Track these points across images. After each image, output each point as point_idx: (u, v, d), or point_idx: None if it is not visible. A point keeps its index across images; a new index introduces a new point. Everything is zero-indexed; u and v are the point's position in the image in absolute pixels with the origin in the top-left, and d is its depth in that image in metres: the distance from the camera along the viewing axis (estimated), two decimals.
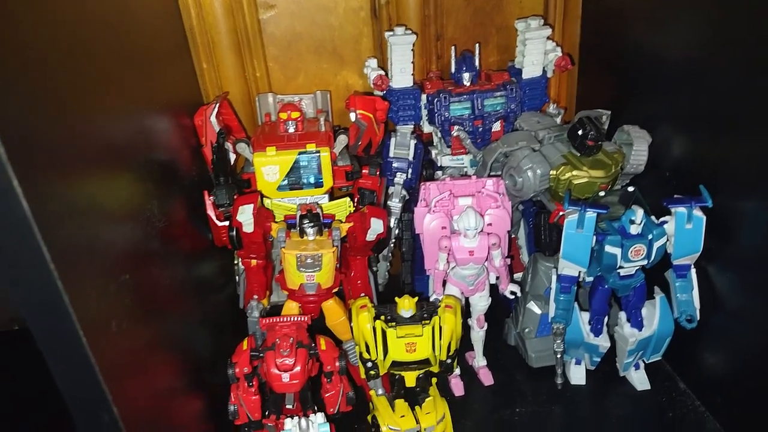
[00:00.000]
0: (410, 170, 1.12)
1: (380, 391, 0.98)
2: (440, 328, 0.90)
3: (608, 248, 0.90)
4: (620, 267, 0.92)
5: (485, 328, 1.05)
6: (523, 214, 1.15)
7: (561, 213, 1.01)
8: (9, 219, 0.45)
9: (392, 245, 1.19)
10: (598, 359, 1.03)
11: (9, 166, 0.43)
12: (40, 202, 0.47)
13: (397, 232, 1.16)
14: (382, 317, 0.91)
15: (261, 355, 0.88)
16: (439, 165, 1.14)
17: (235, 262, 1.10)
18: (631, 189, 0.94)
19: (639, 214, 0.89)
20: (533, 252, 1.11)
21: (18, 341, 1.34)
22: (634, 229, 0.90)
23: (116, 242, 0.63)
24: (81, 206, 0.56)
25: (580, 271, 0.94)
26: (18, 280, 0.48)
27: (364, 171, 1.06)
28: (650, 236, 0.90)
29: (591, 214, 0.88)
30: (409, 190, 1.14)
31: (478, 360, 1.08)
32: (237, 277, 1.11)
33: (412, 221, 1.18)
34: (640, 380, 1.03)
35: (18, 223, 0.45)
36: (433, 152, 1.16)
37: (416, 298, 0.91)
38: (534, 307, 1.07)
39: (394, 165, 1.11)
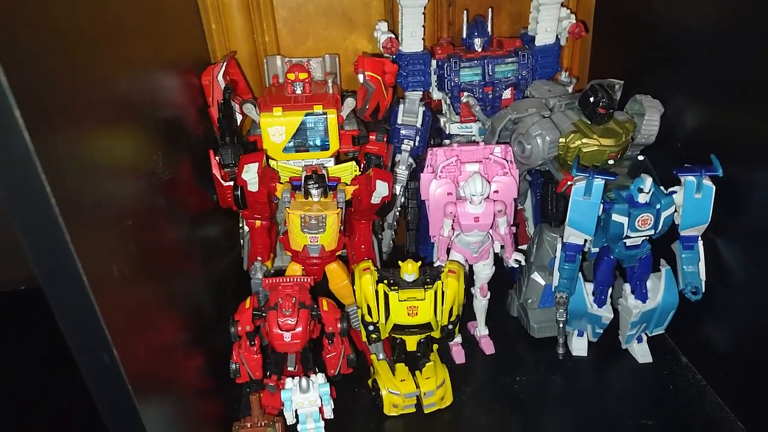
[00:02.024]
0: (418, 138, 1.11)
1: (381, 356, 0.99)
2: (442, 293, 0.90)
3: (615, 217, 0.89)
4: (627, 237, 0.91)
5: (488, 297, 1.05)
6: (530, 185, 1.14)
7: (569, 183, 1.00)
8: (17, 163, 0.45)
9: (398, 214, 1.19)
10: (601, 331, 1.03)
11: (19, 117, 0.43)
12: (48, 152, 0.47)
13: (402, 200, 1.15)
14: (385, 281, 0.91)
15: (263, 314, 0.89)
16: (447, 133, 1.13)
17: (240, 225, 1.10)
18: (641, 158, 0.93)
19: (648, 182, 0.88)
20: (539, 223, 1.10)
21: (25, 301, 1.36)
22: (642, 198, 0.88)
23: (121, 191, 0.63)
24: (87, 156, 0.56)
25: (585, 240, 0.93)
26: (25, 222, 0.48)
27: (371, 136, 1.05)
28: (658, 206, 0.89)
29: (599, 181, 0.87)
30: (416, 159, 1.14)
31: (480, 329, 1.08)
32: (242, 240, 1.11)
33: (418, 190, 1.17)
34: (642, 353, 1.03)
35: (25, 164, 0.45)
36: (442, 120, 1.14)
37: (419, 263, 0.91)
38: (538, 278, 1.07)
39: (402, 132, 1.10)
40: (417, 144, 1.11)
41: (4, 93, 0.43)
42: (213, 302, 0.97)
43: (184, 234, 0.87)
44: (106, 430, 0.60)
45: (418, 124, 1.10)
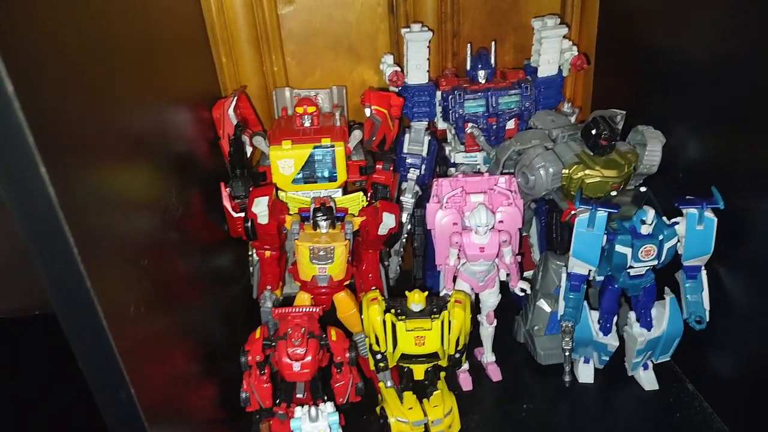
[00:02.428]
0: (424, 166, 1.13)
1: (389, 384, 1.00)
2: (449, 322, 0.91)
3: (619, 248, 0.90)
4: (630, 267, 0.92)
5: (495, 324, 1.06)
6: (535, 213, 1.16)
7: (573, 212, 1.01)
8: (36, 205, 0.47)
9: (404, 240, 1.20)
10: (607, 358, 1.04)
11: (37, 154, 0.45)
12: (66, 189, 0.49)
13: (409, 227, 1.17)
14: (393, 310, 0.92)
15: (273, 344, 0.90)
16: (452, 162, 1.15)
17: (250, 253, 1.12)
18: (643, 189, 0.94)
19: (650, 214, 0.89)
20: (544, 250, 1.12)
21: (39, 326, 1.38)
22: (644, 230, 0.90)
23: (136, 229, 0.65)
24: (103, 193, 0.58)
25: (590, 270, 0.95)
26: (45, 264, 0.50)
27: (377, 166, 1.07)
28: (661, 237, 0.90)
29: (602, 213, 0.89)
30: (422, 186, 1.16)
31: (487, 356, 1.09)
32: (251, 268, 1.13)
33: (424, 217, 1.19)
34: (648, 380, 1.03)
35: (45, 208, 0.47)
36: (447, 149, 1.17)
37: (426, 293, 0.92)
38: (544, 305, 1.08)
39: (408, 161, 1.13)
40: (423, 172, 1.13)
41: (23, 132, 0.44)
42: (224, 331, 0.98)
43: (195, 265, 0.89)
44: None
45: (424, 153, 1.13)
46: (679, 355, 1.03)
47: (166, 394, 0.67)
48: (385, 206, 0.95)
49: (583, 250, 0.91)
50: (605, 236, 0.91)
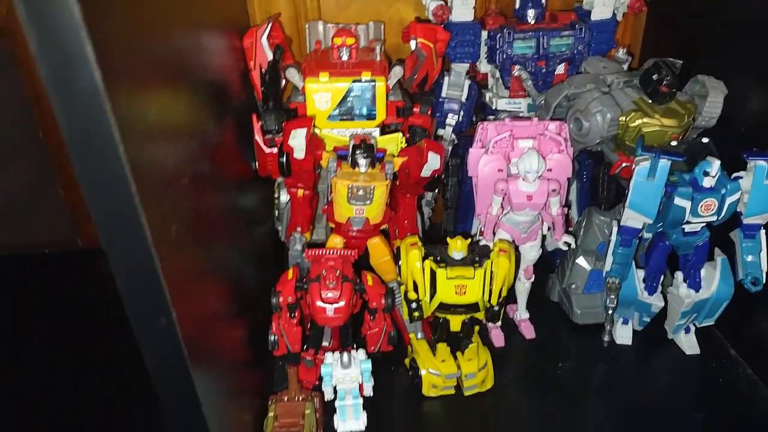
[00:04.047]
0: (462, 113, 1.07)
1: (420, 335, 0.96)
2: (491, 273, 0.87)
3: (678, 200, 0.84)
4: (687, 222, 0.87)
5: (532, 279, 1.01)
6: (577, 167, 1.10)
7: (623, 165, 0.96)
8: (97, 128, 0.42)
9: (436, 191, 1.15)
10: (648, 320, 1.00)
11: (102, 84, 0.41)
12: (122, 112, 0.44)
13: (442, 177, 1.11)
14: (432, 257, 0.87)
15: (305, 286, 0.85)
16: (493, 108, 1.09)
17: (276, 195, 1.07)
18: (705, 140, 0.88)
19: (715, 165, 0.83)
20: (586, 207, 1.06)
21: (46, 265, 1.34)
22: (707, 182, 0.84)
23: (176, 147, 0.60)
24: (148, 111, 0.52)
25: (644, 223, 0.89)
26: (92, 181, 0.45)
27: (415, 109, 1.00)
28: (723, 191, 0.84)
29: (665, 162, 0.83)
30: (458, 135, 1.09)
31: (521, 312, 1.04)
32: (276, 211, 1.07)
33: (458, 167, 1.14)
34: (689, 344, 0.99)
35: (103, 130, 0.42)
36: (488, 95, 1.10)
37: (469, 240, 0.87)
38: (583, 263, 1.03)
39: (446, 106, 1.06)
40: (461, 119, 1.07)
41: (89, 60, 0.40)
42: (252, 273, 0.93)
43: (227, 201, 0.83)
44: (152, 396, 0.57)
45: (463, 98, 1.06)
46: (721, 321, 0.98)
47: (201, 327, 0.62)
48: (431, 145, 0.88)
49: (641, 201, 0.85)
50: (664, 189, 0.85)
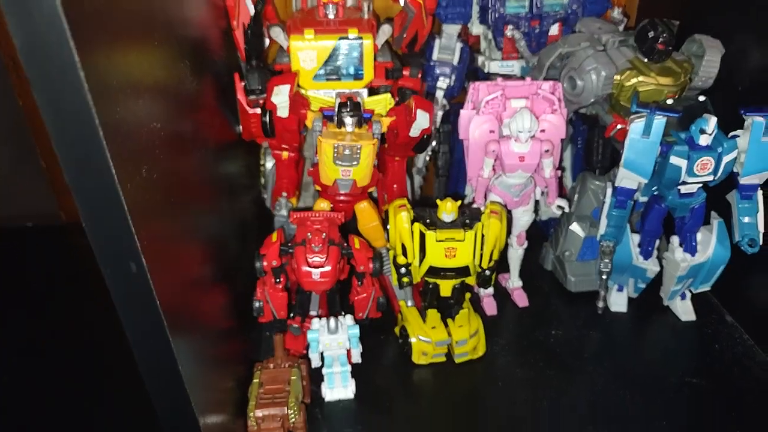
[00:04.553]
0: (453, 77, 1.04)
1: (410, 303, 0.93)
2: (482, 235, 0.84)
3: (673, 159, 0.82)
4: (683, 182, 0.85)
5: (525, 246, 0.99)
6: (571, 132, 1.07)
7: (618, 127, 0.93)
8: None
9: (428, 159, 1.12)
10: (643, 285, 0.97)
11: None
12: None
13: (434, 144, 1.08)
14: (421, 220, 0.85)
15: (290, 250, 0.83)
16: (485, 71, 1.06)
17: (262, 162, 1.04)
18: (702, 98, 0.86)
19: (711, 122, 0.81)
20: (581, 172, 1.03)
21: (30, 238, 1.31)
22: (703, 140, 0.82)
23: (148, 84, 0.56)
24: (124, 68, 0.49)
25: (639, 184, 0.87)
26: (53, 109, 0.42)
27: (404, 72, 0.97)
28: (720, 149, 0.82)
29: (660, 119, 0.80)
30: (449, 101, 1.06)
31: (513, 281, 1.02)
32: (263, 179, 1.04)
33: (450, 134, 1.11)
34: (685, 310, 0.97)
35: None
36: (480, 59, 1.07)
37: (459, 202, 0.85)
38: (577, 229, 1.01)
39: (437, 70, 1.03)
40: (452, 83, 1.04)
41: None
42: (236, 242, 0.90)
43: (208, 163, 0.80)
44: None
45: (455, 62, 1.03)
46: (717, 287, 0.96)
47: (178, 288, 0.60)
48: (420, 103, 0.85)
49: (636, 160, 0.82)
50: (659, 148, 0.83)
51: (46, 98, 0.41)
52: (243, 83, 0.90)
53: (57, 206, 1.30)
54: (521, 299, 1.01)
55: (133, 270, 0.48)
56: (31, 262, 1.28)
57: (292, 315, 0.87)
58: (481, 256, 0.85)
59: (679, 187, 0.86)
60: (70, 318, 1.11)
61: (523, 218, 0.95)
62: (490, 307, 0.99)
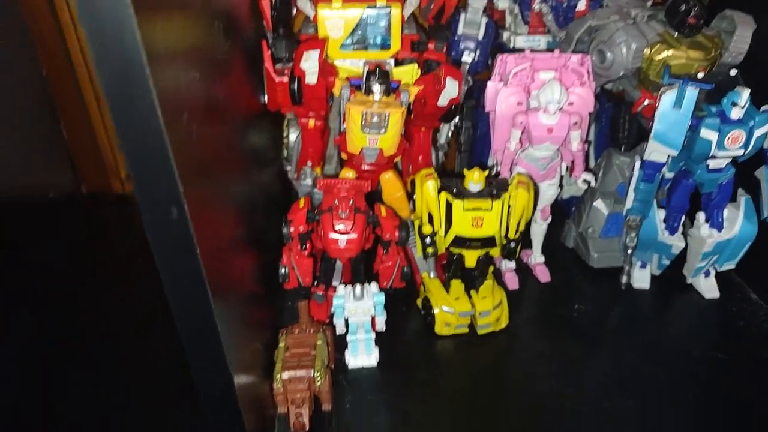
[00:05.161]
0: (478, 51, 1.03)
1: (433, 274, 0.93)
2: (509, 206, 0.84)
3: (704, 132, 0.81)
4: (712, 157, 0.84)
5: (549, 221, 0.98)
6: (597, 108, 1.06)
7: (646, 102, 0.92)
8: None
9: (450, 134, 1.12)
10: (668, 262, 0.97)
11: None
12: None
13: (456, 120, 1.08)
14: (447, 189, 0.84)
15: (317, 217, 0.83)
16: (511, 46, 1.05)
17: (285, 134, 1.04)
18: (733, 72, 0.85)
19: (744, 95, 0.80)
20: (604, 150, 1.03)
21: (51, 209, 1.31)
22: (735, 113, 0.81)
23: (189, 37, 0.56)
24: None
25: (668, 158, 0.86)
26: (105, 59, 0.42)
27: (429, 45, 0.97)
28: (752, 123, 0.81)
29: (692, 90, 0.79)
30: (472, 77, 1.06)
31: (536, 256, 1.02)
32: (286, 151, 1.04)
33: (472, 110, 1.11)
34: (709, 288, 0.97)
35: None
36: (506, 34, 1.06)
37: (486, 171, 0.84)
38: (601, 206, 1.00)
39: (462, 44, 1.02)
40: (477, 58, 1.03)
41: None
42: (261, 209, 0.90)
43: (237, 127, 0.80)
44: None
45: (480, 37, 1.02)
46: (741, 265, 0.96)
47: (215, 240, 0.60)
48: (449, 71, 0.85)
49: (667, 132, 0.82)
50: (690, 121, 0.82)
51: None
52: (270, 51, 0.90)
53: (78, 178, 1.30)
54: (543, 274, 1.01)
55: (174, 216, 0.48)
56: (52, 233, 1.28)
57: (316, 283, 0.87)
58: (508, 226, 0.84)
59: (708, 161, 0.85)
60: (91, 290, 1.12)
61: (548, 192, 0.95)
62: (512, 281, 0.99)
